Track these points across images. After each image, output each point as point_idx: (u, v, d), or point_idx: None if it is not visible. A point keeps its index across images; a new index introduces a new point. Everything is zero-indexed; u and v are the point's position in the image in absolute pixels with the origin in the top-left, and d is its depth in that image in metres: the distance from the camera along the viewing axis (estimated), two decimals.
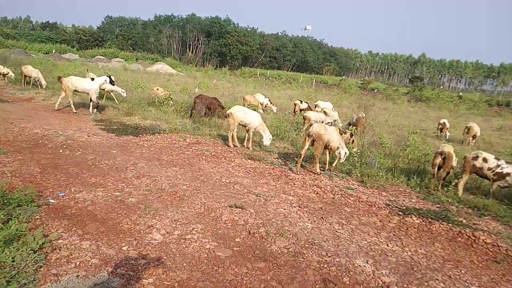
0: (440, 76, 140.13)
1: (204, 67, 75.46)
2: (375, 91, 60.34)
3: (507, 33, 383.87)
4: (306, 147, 9.01)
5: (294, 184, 8.17)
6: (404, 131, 17.76)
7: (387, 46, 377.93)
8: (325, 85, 65.95)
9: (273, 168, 9.02)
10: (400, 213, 6.91)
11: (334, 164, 9.68)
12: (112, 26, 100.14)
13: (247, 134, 11.34)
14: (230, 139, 10.99)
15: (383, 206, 7.23)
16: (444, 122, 17.24)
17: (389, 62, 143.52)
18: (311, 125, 9.57)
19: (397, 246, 5.56)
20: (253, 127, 10.99)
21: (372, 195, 7.92)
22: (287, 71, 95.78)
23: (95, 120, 13.11)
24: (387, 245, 5.54)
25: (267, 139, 10.90)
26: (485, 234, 6.05)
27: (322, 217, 6.35)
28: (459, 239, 6.08)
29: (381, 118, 22.55)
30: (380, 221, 6.57)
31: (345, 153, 9.52)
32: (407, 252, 5.37)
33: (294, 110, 19.18)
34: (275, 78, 68.43)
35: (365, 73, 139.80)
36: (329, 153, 9.81)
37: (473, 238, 6.01)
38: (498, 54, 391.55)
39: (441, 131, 18.25)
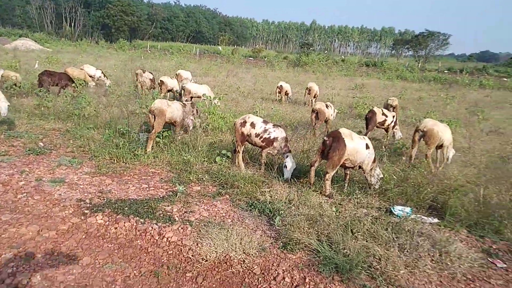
0: (330, 41, 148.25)
1: (90, 41, 68.99)
2: (265, 59, 61.44)
3: None
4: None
5: None
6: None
7: (283, 14, 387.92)
8: (218, 55, 64.98)
9: None
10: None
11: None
12: None
13: None
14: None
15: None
16: (281, 86, 17.64)
17: (283, 30, 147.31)
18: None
19: None
20: None
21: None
22: (183, 42, 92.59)
23: None
24: None
25: None
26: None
27: None
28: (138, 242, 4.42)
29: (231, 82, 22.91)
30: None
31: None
32: None
33: (137, 79, 18.10)
34: (167, 50, 65.48)
35: (261, 42, 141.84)
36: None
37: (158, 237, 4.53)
38: (379, 18, 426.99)
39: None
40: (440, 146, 8.93)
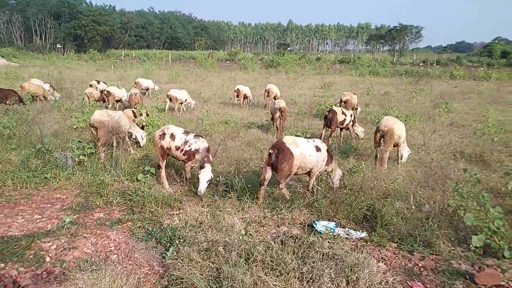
0: (308, 40, 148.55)
1: (61, 54, 67.18)
2: (241, 61, 60.73)
3: None
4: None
5: None
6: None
7: (260, 16, 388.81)
8: (194, 60, 64.01)
9: None
10: None
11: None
12: None
13: None
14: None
15: None
16: (238, 89, 16.84)
17: (260, 32, 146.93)
18: None
19: None
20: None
21: None
22: (158, 49, 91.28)
23: None
24: None
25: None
26: None
27: None
28: None
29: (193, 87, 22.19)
30: None
31: (142, 136, 9.01)
32: None
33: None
34: (139, 58, 64.20)
35: (239, 45, 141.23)
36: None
37: None
38: (356, 15, 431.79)
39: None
40: (396, 145, 8.39)
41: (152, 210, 5.44)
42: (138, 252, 4.40)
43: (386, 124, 7.97)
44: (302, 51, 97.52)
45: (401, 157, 8.62)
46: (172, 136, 6.62)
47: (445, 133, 11.27)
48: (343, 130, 11.21)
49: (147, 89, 20.04)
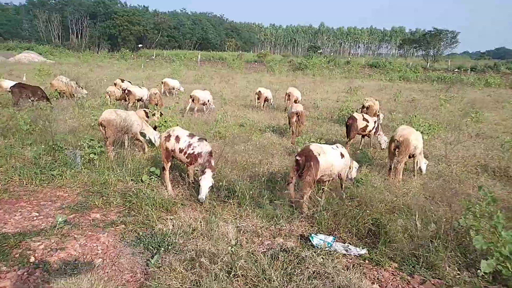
0: (340, 43, 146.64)
1: (95, 52, 69.65)
2: (269, 63, 60.63)
3: None
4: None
5: None
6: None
7: (291, 18, 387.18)
8: (221, 61, 64.54)
9: None
10: None
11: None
12: None
13: None
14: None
15: None
16: (259, 91, 16.64)
17: (291, 34, 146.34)
18: None
19: None
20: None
21: None
22: (189, 49, 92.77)
23: None
24: None
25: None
26: None
27: None
28: None
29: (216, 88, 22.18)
30: None
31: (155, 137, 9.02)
32: None
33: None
34: (168, 58, 65.36)
35: (269, 47, 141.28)
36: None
37: None
38: (389, 18, 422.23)
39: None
40: (412, 155, 7.97)
41: (147, 213, 5.35)
42: (124, 257, 4.30)
43: (402, 134, 7.57)
44: (332, 54, 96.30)
45: (419, 169, 8.21)
46: (177, 138, 6.54)
47: (470, 145, 10.64)
48: (365, 137, 10.83)
49: (173, 89, 20.25)
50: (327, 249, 4.65)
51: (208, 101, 14.81)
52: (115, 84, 17.96)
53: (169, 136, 6.63)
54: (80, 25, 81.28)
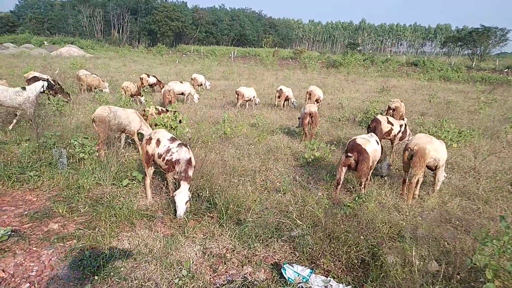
0: (381, 41, 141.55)
1: (135, 47, 71.31)
2: (306, 60, 59.32)
3: None
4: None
5: None
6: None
7: (331, 14, 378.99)
8: (257, 58, 63.97)
9: None
10: None
11: None
12: (27, 10, 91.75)
13: None
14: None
15: None
16: (281, 89, 15.80)
17: (330, 31, 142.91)
18: None
19: None
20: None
21: None
22: (226, 45, 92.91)
23: None
24: None
25: None
26: None
27: None
28: None
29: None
30: None
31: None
32: None
33: (142, 84, 17.44)
34: (209, 53, 65.68)
35: (308, 43, 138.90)
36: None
37: None
38: (435, 15, 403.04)
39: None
40: (434, 168, 6.92)
41: (107, 226, 4.77)
42: (55, 283, 3.71)
43: (417, 143, 6.53)
44: (370, 51, 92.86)
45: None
46: (158, 142, 5.91)
47: (506, 156, 9.29)
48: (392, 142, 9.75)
49: (201, 85, 19.97)
50: (300, 285, 3.84)
51: (254, 97, 15.66)
52: (141, 79, 17.89)
53: (150, 139, 6.02)
54: (122, 20, 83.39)
